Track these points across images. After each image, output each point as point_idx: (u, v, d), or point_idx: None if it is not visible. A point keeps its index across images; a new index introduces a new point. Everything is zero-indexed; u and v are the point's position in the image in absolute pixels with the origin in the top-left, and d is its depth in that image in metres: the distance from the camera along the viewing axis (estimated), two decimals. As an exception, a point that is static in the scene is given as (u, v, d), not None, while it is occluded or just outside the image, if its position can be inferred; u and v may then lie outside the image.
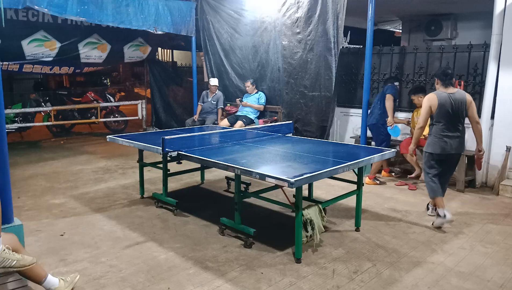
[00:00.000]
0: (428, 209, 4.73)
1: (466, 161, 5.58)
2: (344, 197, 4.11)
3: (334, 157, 4.14)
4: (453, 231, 4.16)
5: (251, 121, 7.82)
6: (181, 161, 4.03)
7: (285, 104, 7.71)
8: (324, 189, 5.51)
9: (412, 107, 6.28)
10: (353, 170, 3.97)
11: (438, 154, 4.32)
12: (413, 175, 5.83)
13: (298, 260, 3.48)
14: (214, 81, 8.35)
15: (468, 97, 4.30)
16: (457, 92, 4.28)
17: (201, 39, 8.96)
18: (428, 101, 4.27)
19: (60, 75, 11.96)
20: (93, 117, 9.77)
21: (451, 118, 4.24)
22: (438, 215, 4.24)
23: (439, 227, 4.23)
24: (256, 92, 7.98)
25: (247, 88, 8.00)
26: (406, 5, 7.86)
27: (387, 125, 5.93)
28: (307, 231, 3.55)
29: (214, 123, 7.98)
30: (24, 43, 7.69)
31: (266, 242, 3.85)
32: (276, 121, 7.64)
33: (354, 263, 3.48)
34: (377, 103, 6.09)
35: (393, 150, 4.26)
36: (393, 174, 6.32)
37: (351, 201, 4.49)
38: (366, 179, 5.89)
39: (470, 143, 6.20)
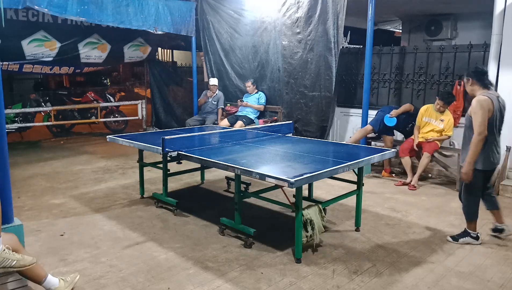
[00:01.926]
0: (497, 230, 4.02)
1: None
2: (344, 197, 4.10)
3: (334, 157, 4.14)
4: (453, 231, 4.15)
5: (251, 121, 7.82)
6: (181, 161, 4.03)
7: (285, 104, 7.71)
8: (324, 189, 5.51)
9: None
10: (353, 170, 3.97)
11: (488, 171, 3.77)
12: (407, 182, 5.82)
13: (298, 260, 3.48)
14: (213, 81, 8.35)
15: None
16: (500, 95, 3.73)
17: (201, 39, 8.96)
18: (486, 104, 3.53)
19: (60, 75, 11.95)
20: (93, 117, 9.77)
21: (500, 126, 3.71)
22: (470, 236, 3.87)
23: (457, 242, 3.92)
24: (256, 92, 7.98)
25: (247, 88, 8.00)
26: (406, 5, 7.86)
27: (390, 114, 6.17)
28: (307, 231, 3.54)
29: (214, 123, 7.98)
30: (24, 43, 7.69)
31: (266, 242, 3.85)
32: (276, 121, 7.64)
33: (354, 263, 3.48)
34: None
35: (393, 150, 4.26)
36: (393, 174, 6.32)
37: (351, 201, 4.49)
38: (383, 172, 6.31)
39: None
